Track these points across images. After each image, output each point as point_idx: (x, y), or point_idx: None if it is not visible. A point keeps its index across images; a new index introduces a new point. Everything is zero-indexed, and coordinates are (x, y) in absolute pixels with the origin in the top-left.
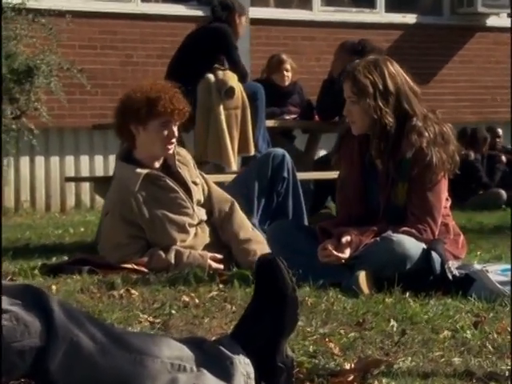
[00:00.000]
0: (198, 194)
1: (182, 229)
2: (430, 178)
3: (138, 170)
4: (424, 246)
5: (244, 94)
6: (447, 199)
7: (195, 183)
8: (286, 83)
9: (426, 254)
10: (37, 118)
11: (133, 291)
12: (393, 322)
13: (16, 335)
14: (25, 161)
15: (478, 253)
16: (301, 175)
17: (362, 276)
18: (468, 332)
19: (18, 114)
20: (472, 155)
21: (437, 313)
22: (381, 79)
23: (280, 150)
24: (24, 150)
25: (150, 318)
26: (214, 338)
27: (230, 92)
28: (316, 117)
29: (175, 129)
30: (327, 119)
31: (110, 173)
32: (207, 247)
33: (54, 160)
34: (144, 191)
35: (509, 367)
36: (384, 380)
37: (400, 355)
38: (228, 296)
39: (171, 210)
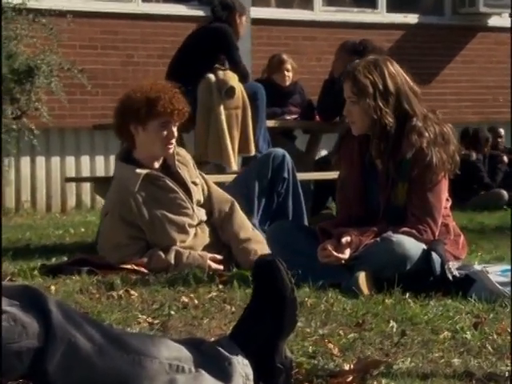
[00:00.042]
0: (197, 195)
1: (182, 229)
2: (430, 178)
3: (138, 171)
4: (424, 246)
5: (244, 94)
6: (447, 199)
7: (195, 183)
8: (287, 83)
9: (426, 255)
10: (37, 118)
11: (132, 292)
12: (392, 323)
13: (14, 336)
14: (25, 161)
15: (479, 253)
16: (302, 175)
17: (362, 277)
18: (468, 333)
19: (19, 114)
20: (474, 155)
21: (437, 313)
22: (381, 79)
23: (280, 151)
24: (25, 151)
25: (149, 319)
26: (212, 339)
27: (231, 92)
28: (317, 117)
29: (175, 129)
30: (328, 119)
31: (111, 173)
32: (207, 248)
33: (55, 160)
34: (143, 191)
35: (509, 368)
36: (383, 381)
37: (399, 356)
38: (227, 297)
39: (171, 211)
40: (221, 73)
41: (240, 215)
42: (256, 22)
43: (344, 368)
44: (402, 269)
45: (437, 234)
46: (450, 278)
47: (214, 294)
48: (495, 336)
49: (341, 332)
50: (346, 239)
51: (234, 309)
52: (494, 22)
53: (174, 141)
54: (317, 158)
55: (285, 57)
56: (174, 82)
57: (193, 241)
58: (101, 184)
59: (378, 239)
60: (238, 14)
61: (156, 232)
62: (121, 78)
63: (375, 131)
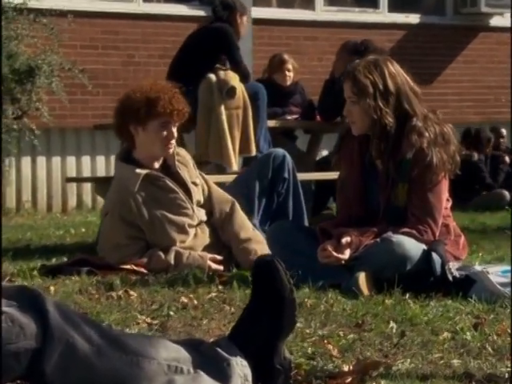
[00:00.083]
0: (197, 195)
1: (182, 229)
2: (431, 178)
3: (138, 171)
4: (424, 246)
5: (245, 94)
6: (448, 200)
7: (195, 184)
8: (288, 83)
9: (426, 255)
10: (38, 118)
11: (131, 292)
12: (392, 324)
13: (11, 337)
14: (26, 161)
15: (480, 254)
16: (302, 176)
17: (362, 277)
18: (468, 334)
19: (20, 114)
20: (475, 156)
21: (437, 314)
22: (381, 79)
23: (280, 151)
24: (25, 151)
25: (148, 320)
26: (212, 340)
27: (232, 92)
28: (318, 117)
29: (174, 129)
30: (329, 119)
31: (112, 173)
32: (207, 248)
33: (56, 160)
34: (143, 192)
35: (509, 369)
36: (383, 382)
37: (399, 357)
38: (227, 297)
39: (171, 211)
40: (222, 73)
41: (240, 215)
42: (257, 21)
43: (343, 369)
44: (402, 269)
45: (437, 234)
46: (450, 278)
47: (214, 294)
48: (495, 337)
49: (340, 333)
50: (345, 240)
51: (233, 309)
52: (495, 21)
53: (173, 141)
54: (318, 158)
55: (286, 57)
56: (175, 82)
57: (193, 241)
58: (101, 184)
59: (378, 240)
60: (238, 14)
61: (156, 232)
62: (122, 78)
63: (375, 131)
